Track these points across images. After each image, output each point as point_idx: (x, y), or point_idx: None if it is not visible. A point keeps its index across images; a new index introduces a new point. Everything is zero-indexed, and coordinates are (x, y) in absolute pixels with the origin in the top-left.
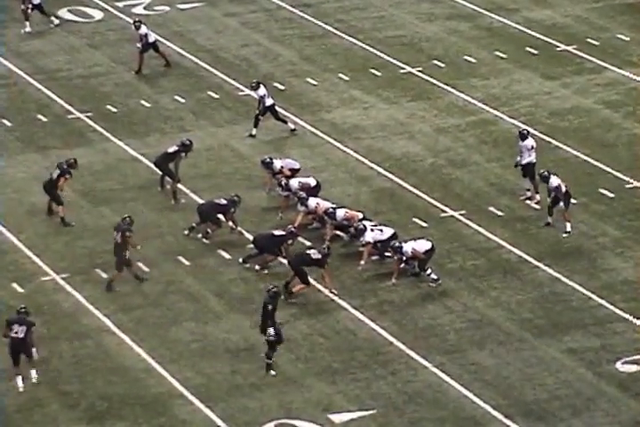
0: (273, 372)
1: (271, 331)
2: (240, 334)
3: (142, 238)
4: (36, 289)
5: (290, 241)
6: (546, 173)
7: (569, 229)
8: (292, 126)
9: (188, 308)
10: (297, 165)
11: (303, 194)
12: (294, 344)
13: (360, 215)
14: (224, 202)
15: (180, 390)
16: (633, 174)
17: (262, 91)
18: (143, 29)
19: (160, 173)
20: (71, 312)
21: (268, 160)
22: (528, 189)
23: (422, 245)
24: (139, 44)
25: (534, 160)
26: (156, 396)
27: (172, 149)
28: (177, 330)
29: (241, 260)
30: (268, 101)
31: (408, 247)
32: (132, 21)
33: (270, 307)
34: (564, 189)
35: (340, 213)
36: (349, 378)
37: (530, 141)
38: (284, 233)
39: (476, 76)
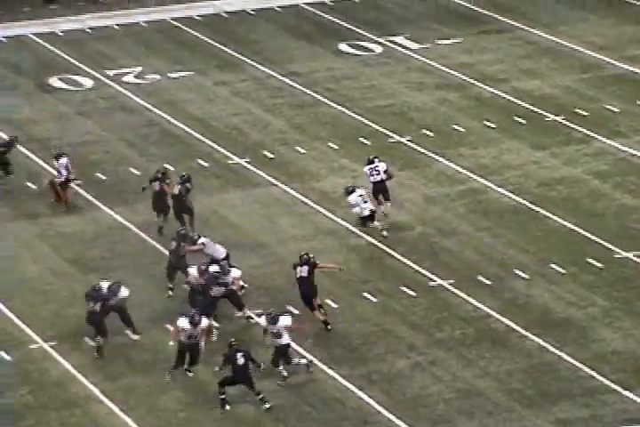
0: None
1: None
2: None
3: (130, 306)
4: (24, 357)
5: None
6: (351, 188)
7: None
8: None
9: (177, 376)
10: (222, 254)
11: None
12: (283, 414)
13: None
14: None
15: None
16: (621, 244)
17: (63, 160)
18: (63, 160)
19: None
20: (59, 380)
21: None
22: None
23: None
24: (61, 178)
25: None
26: None
27: (176, 191)
28: (166, 399)
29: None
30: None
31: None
32: (54, 153)
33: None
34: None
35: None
36: None
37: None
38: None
39: (465, 146)
